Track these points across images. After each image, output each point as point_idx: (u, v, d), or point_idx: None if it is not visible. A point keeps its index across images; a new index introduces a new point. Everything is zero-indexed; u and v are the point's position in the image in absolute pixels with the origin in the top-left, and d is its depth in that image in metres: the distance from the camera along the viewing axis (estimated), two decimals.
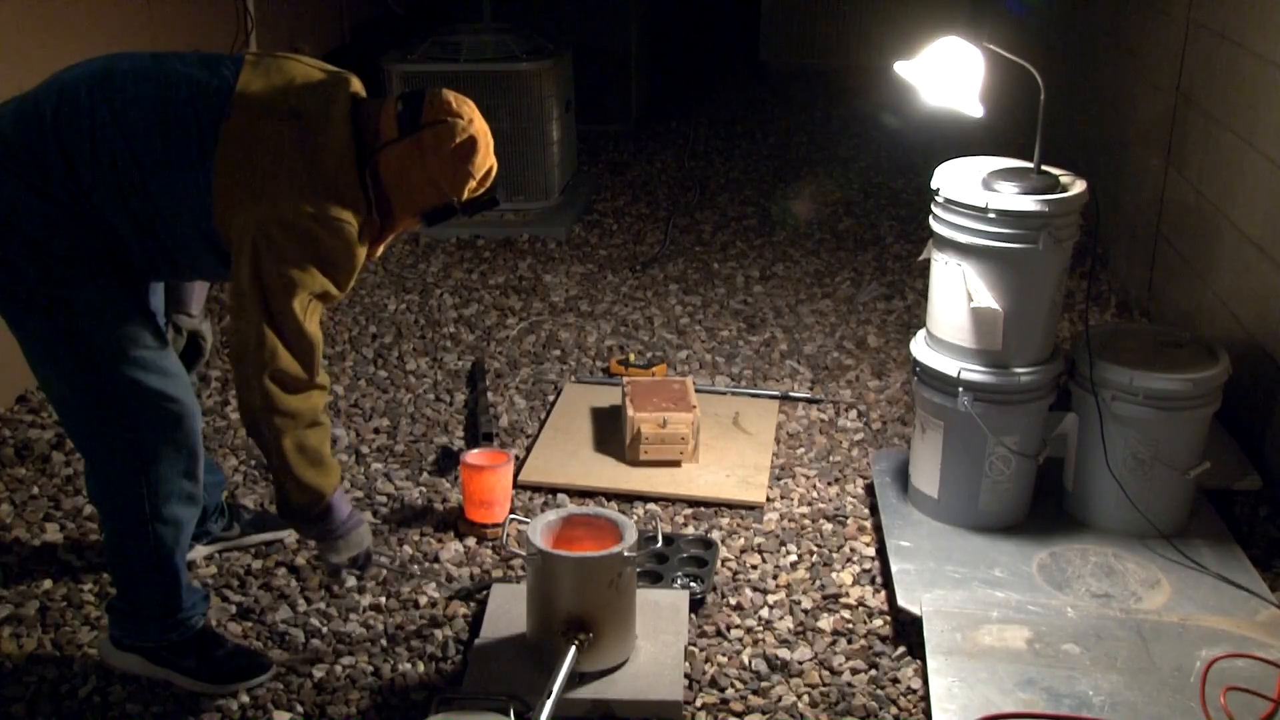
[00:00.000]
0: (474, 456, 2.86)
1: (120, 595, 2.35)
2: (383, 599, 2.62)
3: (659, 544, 2.63)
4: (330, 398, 2.10)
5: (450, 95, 2.16)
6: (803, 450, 3.23)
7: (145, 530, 2.23)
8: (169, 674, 2.34)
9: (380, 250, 2.27)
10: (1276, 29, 3.09)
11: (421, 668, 2.41)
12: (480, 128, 2.16)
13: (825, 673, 2.41)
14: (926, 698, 2.29)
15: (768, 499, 2.99)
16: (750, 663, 2.43)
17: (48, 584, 2.65)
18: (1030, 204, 2.52)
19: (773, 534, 2.86)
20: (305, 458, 2.12)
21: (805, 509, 2.96)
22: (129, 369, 2.14)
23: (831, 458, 3.20)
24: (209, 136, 2.06)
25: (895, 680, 2.38)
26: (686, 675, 2.37)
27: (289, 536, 2.80)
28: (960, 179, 2.63)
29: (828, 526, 2.89)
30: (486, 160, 2.19)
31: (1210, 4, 3.54)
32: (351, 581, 2.66)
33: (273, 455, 2.13)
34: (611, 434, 3.23)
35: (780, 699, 2.33)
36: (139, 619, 2.33)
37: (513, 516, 2.71)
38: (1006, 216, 2.53)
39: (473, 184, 2.18)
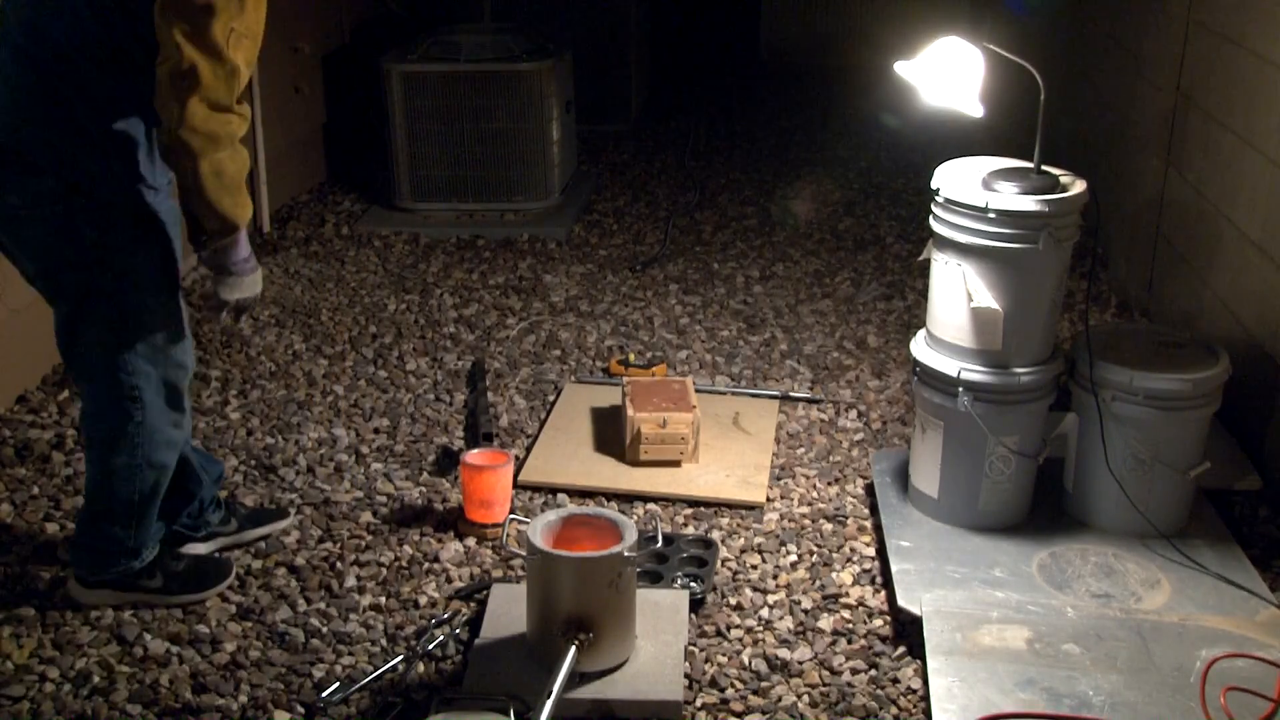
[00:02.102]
0: (474, 456, 2.86)
1: (90, 533, 2.48)
2: (383, 599, 2.62)
3: (659, 544, 2.63)
4: (247, 127, 2.19)
5: None
6: (803, 450, 3.23)
7: (135, 473, 2.41)
8: (140, 596, 2.50)
9: None
10: (1276, 29, 3.09)
11: (421, 668, 2.41)
12: None
13: (825, 673, 2.41)
14: (926, 698, 2.29)
15: (768, 499, 2.99)
16: (750, 663, 2.43)
17: (47, 584, 2.65)
18: (1030, 204, 2.52)
19: (773, 534, 2.86)
20: (221, 183, 2.16)
21: (805, 509, 2.96)
22: (151, 316, 2.32)
23: (831, 458, 3.20)
24: None
25: (895, 680, 2.38)
26: (686, 675, 2.37)
27: (288, 536, 2.81)
28: (960, 179, 2.63)
29: (828, 526, 2.89)
30: None
31: (1210, 4, 3.54)
32: (351, 581, 2.67)
33: (188, 177, 2.16)
34: (611, 434, 3.23)
35: (780, 699, 2.33)
36: (106, 554, 2.47)
37: (513, 516, 2.71)
38: (1006, 216, 2.53)
39: None
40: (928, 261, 2.71)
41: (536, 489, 3.04)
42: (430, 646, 2.45)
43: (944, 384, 2.68)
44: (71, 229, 2.24)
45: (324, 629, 2.52)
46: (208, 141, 2.12)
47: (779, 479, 3.09)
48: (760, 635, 2.52)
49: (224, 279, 2.31)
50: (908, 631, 2.50)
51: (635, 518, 2.92)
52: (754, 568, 2.74)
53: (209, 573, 2.58)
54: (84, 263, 2.27)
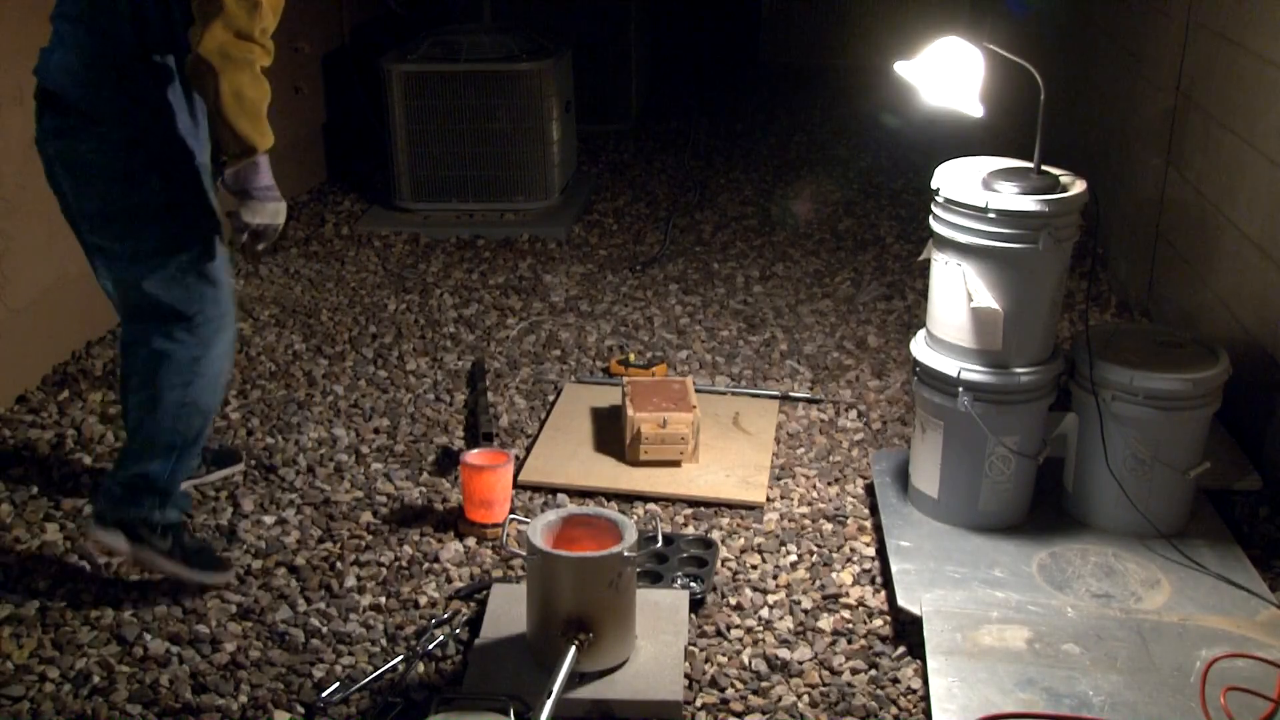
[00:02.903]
0: (474, 456, 2.86)
1: (125, 469, 2.55)
2: (383, 599, 2.62)
3: (659, 544, 2.63)
4: (270, 61, 2.36)
5: None
6: (803, 450, 3.23)
7: (183, 411, 2.54)
8: (146, 550, 2.55)
9: None
10: (1276, 29, 3.09)
11: (421, 668, 2.41)
12: None
13: (825, 673, 2.41)
14: (926, 698, 2.29)
15: (768, 499, 2.99)
16: (750, 663, 2.43)
17: (47, 584, 2.65)
18: (1030, 204, 2.52)
19: (773, 534, 2.86)
20: (241, 106, 2.32)
21: (805, 509, 2.96)
22: (209, 269, 2.51)
23: (831, 458, 3.20)
24: None
25: (895, 680, 2.38)
26: (686, 675, 2.37)
27: (288, 536, 2.81)
28: (960, 179, 2.63)
29: (828, 526, 2.89)
30: None
31: (1210, 4, 3.54)
32: (351, 581, 2.67)
33: (210, 97, 2.33)
34: (611, 434, 3.23)
35: (780, 699, 2.34)
36: (134, 491, 2.54)
37: (513, 516, 2.71)
38: (1006, 216, 2.53)
39: None
40: (928, 261, 2.71)
41: (536, 489, 3.04)
42: (430, 646, 2.45)
43: (944, 384, 2.68)
44: (136, 176, 2.45)
45: (324, 629, 2.52)
46: (226, 61, 2.28)
47: (779, 479, 3.09)
48: (760, 635, 2.52)
49: (245, 202, 2.45)
50: (908, 631, 2.50)
51: (635, 518, 2.92)
52: (754, 568, 2.74)
53: (209, 562, 2.64)
54: (148, 208, 2.46)
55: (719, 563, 2.73)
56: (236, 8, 2.28)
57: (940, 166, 2.69)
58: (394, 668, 2.40)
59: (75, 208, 2.53)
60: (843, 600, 2.62)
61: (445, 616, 2.55)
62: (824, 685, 2.37)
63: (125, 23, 2.39)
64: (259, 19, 2.32)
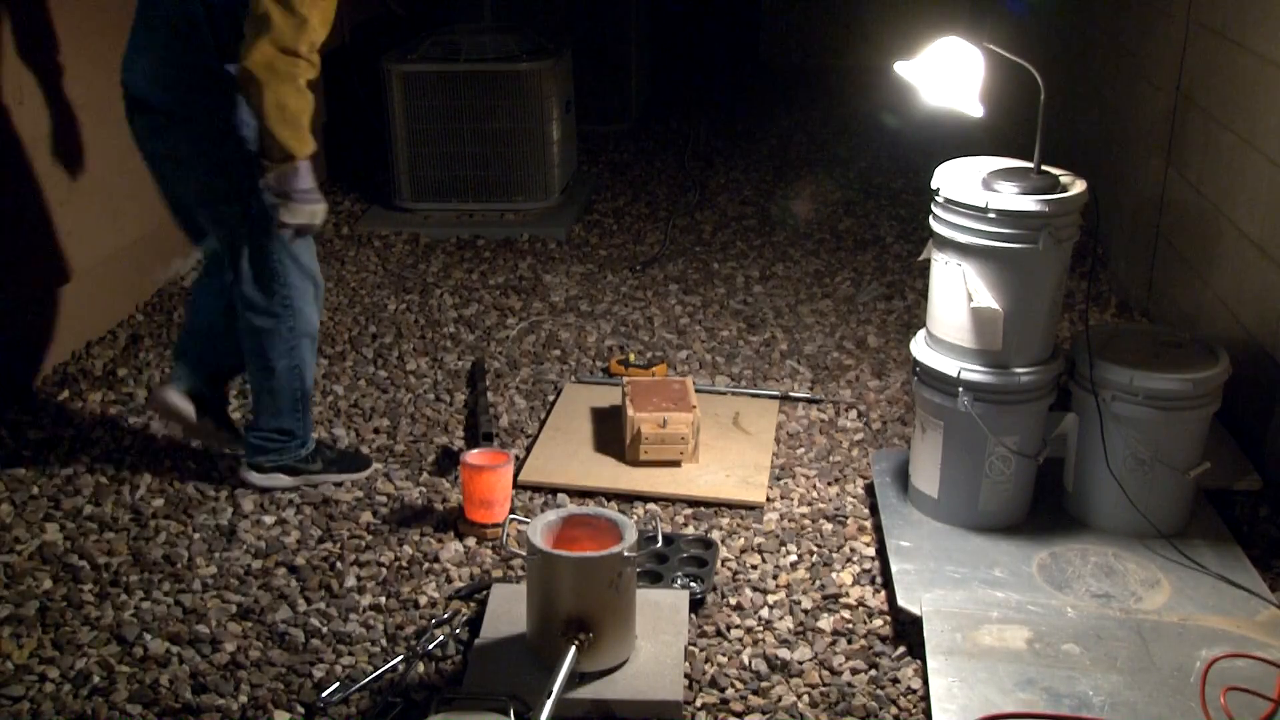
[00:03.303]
0: (474, 456, 2.86)
1: (262, 432, 2.95)
2: (383, 599, 2.62)
3: (659, 544, 2.63)
4: (315, 74, 2.57)
5: None
6: (803, 450, 3.23)
7: (294, 373, 2.92)
8: (307, 479, 3.00)
9: None
10: (1276, 29, 3.09)
11: (421, 668, 2.41)
12: None
13: (825, 673, 2.41)
14: (926, 698, 2.29)
15: (768, 499, 2.99)
16: (750, 663, 2.43)
17: (48, 584, 2.65)
18: (1030, 204, 2.52)
19: (773, 534, 2.86)
20: (282, 116, 2.53)
21: (805, 509, 2.96)
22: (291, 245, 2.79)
23: (831, 458, 3.20)
24: None
25: (895, 680, 2.38)
26: (686, 675, 2.37)
27: (288, 536, 2.81)
28: (960, 179, 2.63)
29: (828, 526, 2.89)
30: None
31: (1210, 4, 3.54)
32: (351, 581, 2.67)
33: (255, 106, 2.54)
34: (611, 434, 3.23)
35: (780, 699, 2.34)
36: (281, 446, 2.97)
37: (513, 516, 2.71)
38: (1006, 216, 2.53)
39: None
40: (928, 261, 2.71)
41: (536, 489, 3.04)
42: (430, 646, 2.45)
43: (944, 384, 2.68)
44: (226, 167, 2.70)
45: (324, 629, 2.52)
46: (271, 75, 2.49)
47: (779, 479, 3.09)
48: (760, 635, 2.52)
49: (285, 203, 2.65)
50: (908, 631, 2.50)
51: (635, 518, 2.92)
52: (754, 568, 2.74)
53: (354, 460, 3.08)
54: (238, 194, 2.70)
55: (719, 563, 2.73)
56: (284, 24, 2.46)
57: (940, 166, 2.69)
58: (394, 668, 2.40)
59: (175, 195, 2.84)
60: (843, 600, 2.62)
61: (445, 616, 2.55)
62: (824, 685, 2.37)
63: (203, 30, 2.60)
64: (306, 36, 2.50)
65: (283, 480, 2.99)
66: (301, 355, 2.91)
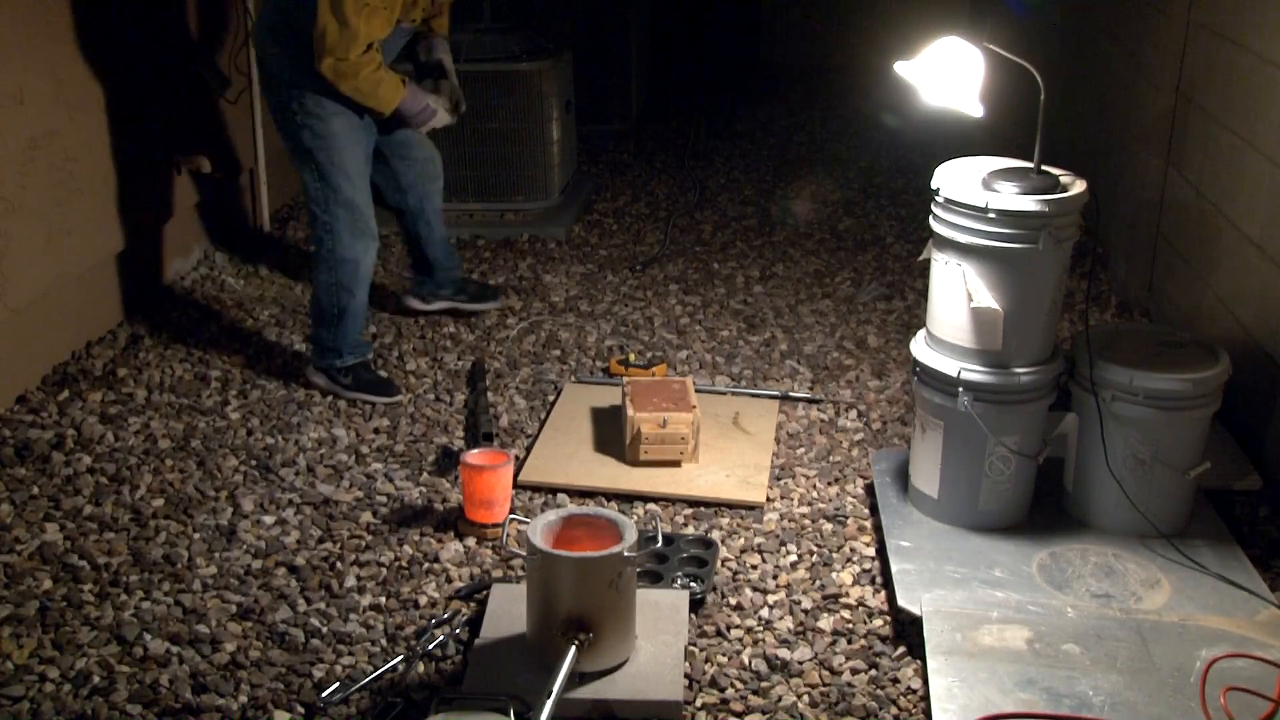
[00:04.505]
0: (474, 456, 2.86)
1: (313, 333, 3.50)
2: (383, 599, 2.62)
3: (659, 544, 2.63)
4: (375, 64, 3.22)
5: None
6: (803, 450, 3.23)
7: (332, 290, 3.43)
8: (339, 389, 3.45)
9: None
10: (1276, 29, 3.09)
11: (421, 668, 2.41)
12: None
13: (825, 673, 2.41)
14: (926, 698, 2.29)
15: (768, 499, 2.99)
16: (750, 663, 2.43)
17: (48, 584, 2.65)
18: (1030, 204, 2.52)
19: (773, 534, 2.86)
20: (361, 93, 3.26)
21: (805, 509, 2.96)
22: (346, 180, 3.38)
23: (831, 458, 3.20)
24: None
25: (895, 680, 2.38)
26: (686, 675, 2.37)
27: (288, 536, 2.81)
28: (960, 179, 2.63)
29: (828, 526, 2.89)
30: None
31: (1210, 4, 3.54)
32: (351, 581, 2.67)
33: (346, 90, 3.24)
34: (611, 434, 3.23)
35: (780, 699, 2.34)
36: (321, 348, 3.47)
37: (513, 516, 2.71)
38: (1006, 216, 2.53)
39: None
40: (928, 261, 2.71)
41: (536, 489, 3.04)
42: (430, 646, 2.45)
43: (944, 384, 2.68)
44: (279, 112, 3.35)
45: (324, 629, 2.52)
46: (337, 76, 3.19)
47: (779, 479, 3.09)
48: (760, 635, 2.52)
49: (414, 127, 3.55)
50: (908, 631, 2.50)
51: (635, 518, 2.92)
52: (754, 568, 2.74)
53: (383, 386, 3.47)
54: (287, 133, 3.37)
55: (719, 563, 2.73)
56: (337, 38, 3.12)
57: (940, 166, 2.69)
58: (394, 668, 2.40)
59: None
60: (843, 600, 2.62)
61: (445, 616, 2.55)
62: (824, 685, 2.37)
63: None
64: (357, 45, 3.13)
65: (321, 381, 3.48)
66: (338, 276, 3.40)
